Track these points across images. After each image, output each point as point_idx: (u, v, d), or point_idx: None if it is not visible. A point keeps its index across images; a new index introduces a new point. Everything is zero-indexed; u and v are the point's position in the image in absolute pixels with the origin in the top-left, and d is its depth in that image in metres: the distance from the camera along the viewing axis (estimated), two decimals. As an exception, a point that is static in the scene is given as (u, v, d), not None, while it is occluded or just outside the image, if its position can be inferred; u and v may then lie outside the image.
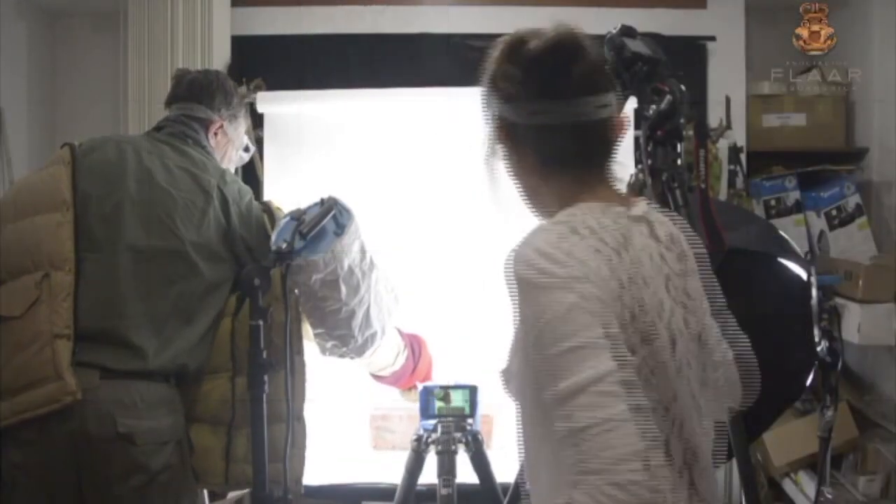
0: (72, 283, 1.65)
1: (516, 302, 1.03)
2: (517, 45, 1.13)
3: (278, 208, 1.89)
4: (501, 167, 1.16)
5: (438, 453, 2.00)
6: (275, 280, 1.71)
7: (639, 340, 1.00)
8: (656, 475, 0.92)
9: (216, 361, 1.79)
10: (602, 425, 0.91)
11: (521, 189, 1.16)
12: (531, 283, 0.98)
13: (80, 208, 1.73)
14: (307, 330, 1.87)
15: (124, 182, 1.76)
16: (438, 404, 2.09)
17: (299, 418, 1.80)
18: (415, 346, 2.29)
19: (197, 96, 1.95)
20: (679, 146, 1.57)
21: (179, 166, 1.81)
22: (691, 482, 1.06)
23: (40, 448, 1.59)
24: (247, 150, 2.12)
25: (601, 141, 1.13)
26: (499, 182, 1.16)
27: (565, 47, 1.11)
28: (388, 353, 2.14)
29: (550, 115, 1.09)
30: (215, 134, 1.96)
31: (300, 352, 1.82)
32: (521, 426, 1.11)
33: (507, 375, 1.12)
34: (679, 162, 1.57)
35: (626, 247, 1.03)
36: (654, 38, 1.68)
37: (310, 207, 1.79)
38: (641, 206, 1.12)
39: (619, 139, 1.14)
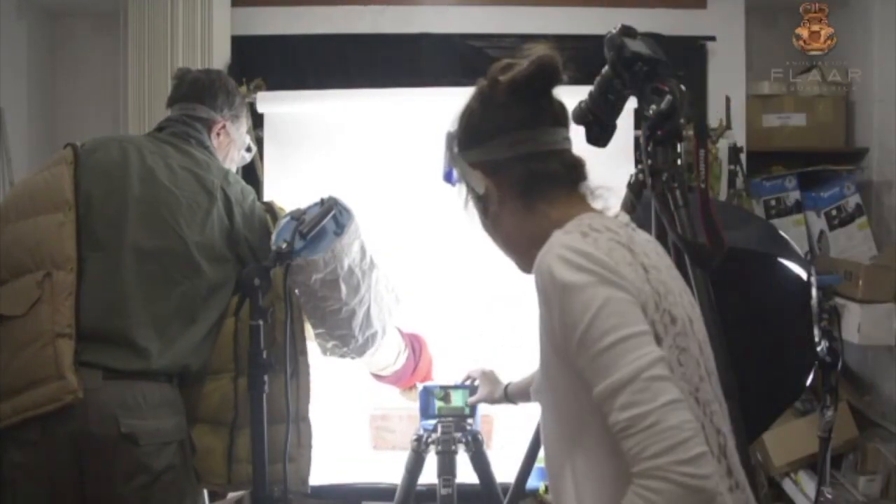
0: (74, 282, 1.65)
1: (550, 313, 1.03)
2: (492, 82, 1.18)
3: (281, 209, 1.88)
4: (477, 220, 1.22)
5: (438, 453, 2.00)
6: (276, 280, 1.71)
7: (669, 320, 1.03)
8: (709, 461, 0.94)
9: (219, 362, 1.79)
10: (662, 409, 0.93)
11: (504, 236, 1.21)
12: (566, 286, 1.00)
13: (82, 208, 1.72)
14: (308, 330, 1.87)
15: (128, 182, 1.76)
16: (438, 404, 2.08)
17: (305, 419, 1.80)
18: (415, 345, 2.29)
19: (199, 96, 1.94)
20: (679, 146, 1.57)
21: (182, 166, 1.81)
22: (728, 470, 1.07)
23: (42, 448, 1.59)
24: (249, 150, 2.11)
25: (576, 163, 1.19)
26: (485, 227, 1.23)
27: (544, 72, 1.16)
28: (389, 353, 2.14)
29: (535, 140, 1.15)
30: (218, 134, 1.96)
31: (304, 352, 1.82)
32: (547, 441, 1.12)
33: (539, 394, 1.16)
34: (679, 162, 1.56)
35: (633, 241, 1.08)
36: (654, 38, 1.68)
37: (310, 207, 1.79)
38: (623, 216, 1.17)
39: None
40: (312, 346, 1.88)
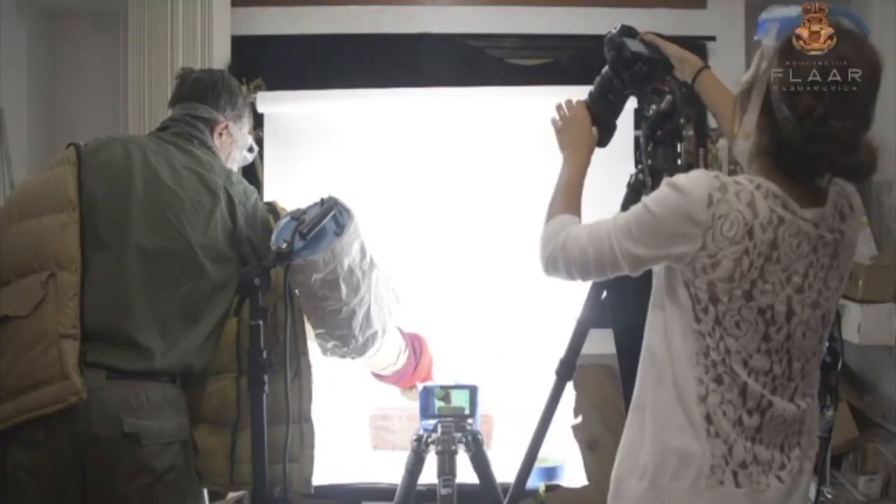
0: (78, 282, 1.65)
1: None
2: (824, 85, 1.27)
3: (283, 209, 1.88)
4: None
5: (438, 453, 2.00)
6: (277, 280, 1.71)
7: (745, 300, 1.21)
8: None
9: (221, 362, 1.79)
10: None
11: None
12: (673, 183, 1.22)
13: (86, 208, 1.72)
14: (309, 330, 1.87)
15: (131, 182, 1.75)
16: (438, 404, 2.08)
17: (308, 419, 1.80)
18: (416, 345, 2.29)
19: (202, 96, 1.94)
20: (679, 146, 1.57)
21: (186, 166, 1.81)
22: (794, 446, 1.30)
23: (46, 448, 1.59)
24: (251, 150, 2.11)
25: (813, 166, 1.24)
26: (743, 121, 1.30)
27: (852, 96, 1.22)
28: (389, 353, 2.15)
29: (800, 140, 1.19)
30: (220, 134, 1.95)
31: (306, 353, 1.82)
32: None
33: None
34: (679, 162, 1.57)
35: (775, 227, 1.19)
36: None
37: (310, 207, 1.79)
38: (816, 211, 1.22)
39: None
40: (312, 346, 1.88)
